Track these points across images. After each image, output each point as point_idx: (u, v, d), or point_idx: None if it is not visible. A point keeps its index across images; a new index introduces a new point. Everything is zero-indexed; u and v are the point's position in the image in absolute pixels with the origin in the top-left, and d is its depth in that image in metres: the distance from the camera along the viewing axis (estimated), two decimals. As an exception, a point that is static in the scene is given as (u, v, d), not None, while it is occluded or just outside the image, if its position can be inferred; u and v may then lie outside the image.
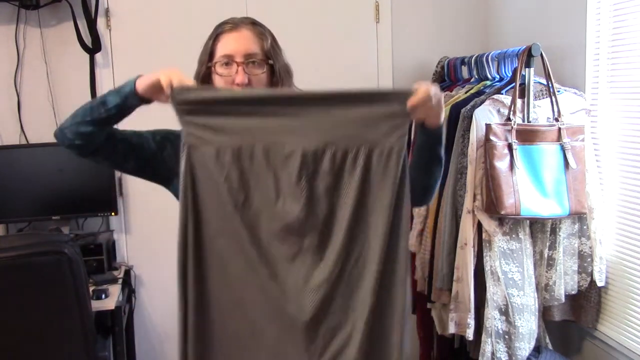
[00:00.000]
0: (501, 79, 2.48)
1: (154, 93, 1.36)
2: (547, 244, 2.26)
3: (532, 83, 2.23)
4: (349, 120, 1.28)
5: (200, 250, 1.33)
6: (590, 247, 2.28)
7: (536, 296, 2.22)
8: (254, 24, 1.53)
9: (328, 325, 1.30)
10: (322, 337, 1.30)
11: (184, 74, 1.37)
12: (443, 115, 1.37)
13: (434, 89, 1.29)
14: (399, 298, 1.30)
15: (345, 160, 1.28)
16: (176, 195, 1.58)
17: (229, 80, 1.47)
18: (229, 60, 1.48)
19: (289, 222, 1.28)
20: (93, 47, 2.89)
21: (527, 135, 2.16)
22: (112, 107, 1.40)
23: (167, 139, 1.55)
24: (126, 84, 1.40)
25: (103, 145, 1.46)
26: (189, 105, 1.31)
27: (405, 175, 1.29)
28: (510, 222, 2.18)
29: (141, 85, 1.37)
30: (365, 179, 1.28)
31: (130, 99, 1.39)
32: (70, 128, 1.43)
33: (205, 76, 1.52)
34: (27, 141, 2.93)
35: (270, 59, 1.50)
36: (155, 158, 1.53)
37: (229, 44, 1.49)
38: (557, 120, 2.21)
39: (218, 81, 1.49)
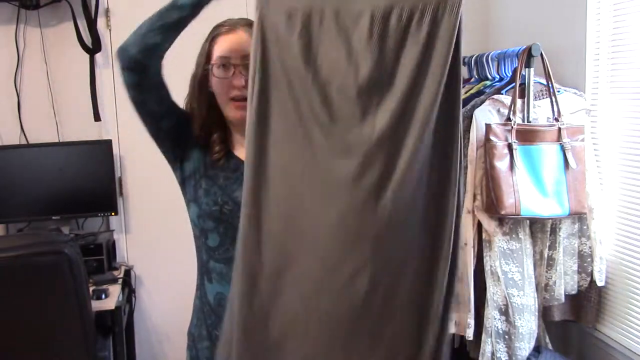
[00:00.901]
0: (501, 79, 2.47)
1: None
2: (547, 244, 2.26)
3: (532, 83, 2.23)
4: None
5: (268, 118, 1.27)
6: (590, 247, 2.28)
7: (536, 296, 2.22)
8: (250, 25, 1.52)
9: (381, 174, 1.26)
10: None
11: None
12: None
13: None
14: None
15: (411, 22, 1.26)
16: (180, 180, 1.57)
17: (226, 83, 1.47)
18: (226, 62, 1.47)
19: (360, 82, 1.25)
20: (93, 47, 2.89)
21: (527, 135, 2.16)
22: (187, 6, 1.37)
23: (190, 119, 1.55)
24: None
25: (157, 87, 1.46)
26: None
27: (459, 41, 1.29)
28: (510, 222, 2.18)
29: None
30: (428, 44, 1.27)
31: None
32: (136, 42, 1.40)
33: (202, 78, 1.52)
34: (27, 141, 2.94)
35: None
36: (182, 129, 1.53)
37: (225, 46, 1.48)
38: (557, 120, 2.21)
39: (215, 83, 1.49)
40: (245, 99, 1.49)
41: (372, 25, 1.25)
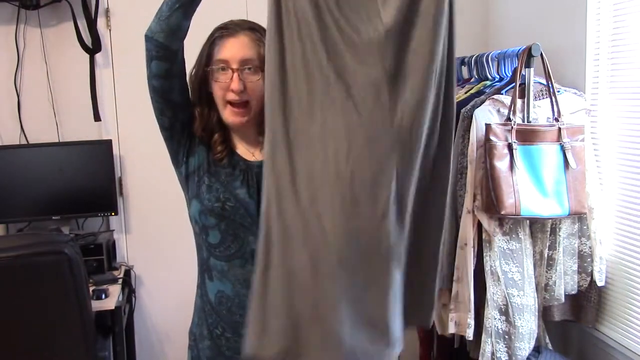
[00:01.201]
0: (501, 79, 2.47)
1: None
2: (547, 244, 2.26)
3: (532, 83, 2.23)
4: None
5: (283, 33, 1.26)
6: (590, 247, 2.28)
7: (536, 296, 2.22)
8: (251, 29, 1.51)
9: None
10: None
11: None
12: None
13: None
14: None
15: None
16: (183, 176, 1.57)
17: (224, 86, 1.47)
18: (224, 66, 1.47)
19: None
20: (93, 47, 2.89)
21: (527, 135, 2.16)
22: None
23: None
24: None
25: (181, 75, 1.48)
26: None
27: None
28: (510, 222, 2.18)
29: None
30: None
31: None
32: (161, 27, 1.43)
33: (202, 79, 1.52)
34: (27, 141, 2.94)
35: None
36: (191, 127, 1.55)
37: (224, 50, 1.48)
38: (557, 120, 2.21)
39: (214, 86, 1.50)
40: (241, 104, 1.50)
41: None
